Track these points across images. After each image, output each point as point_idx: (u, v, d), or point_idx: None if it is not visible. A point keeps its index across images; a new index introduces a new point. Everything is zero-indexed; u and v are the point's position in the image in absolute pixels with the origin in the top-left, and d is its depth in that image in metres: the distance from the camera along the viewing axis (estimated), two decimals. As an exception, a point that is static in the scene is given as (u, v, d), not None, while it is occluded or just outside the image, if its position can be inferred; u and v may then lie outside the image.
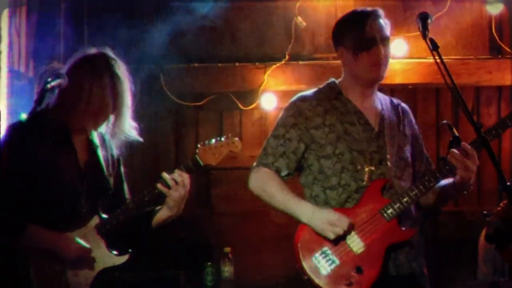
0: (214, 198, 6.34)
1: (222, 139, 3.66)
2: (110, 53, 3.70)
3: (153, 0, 6.30)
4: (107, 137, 3.77)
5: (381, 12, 3.69)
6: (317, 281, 3.49)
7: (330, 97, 3.73)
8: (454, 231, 6.09)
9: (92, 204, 3.63)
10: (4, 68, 5.11)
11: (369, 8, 3.70)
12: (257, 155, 3.77)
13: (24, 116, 4.01)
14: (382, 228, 3.52)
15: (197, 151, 3.64)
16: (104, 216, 3.62)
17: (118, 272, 3.66)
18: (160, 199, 3.65)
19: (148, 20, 6.15)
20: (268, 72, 6.28)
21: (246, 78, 6.32)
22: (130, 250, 3.64)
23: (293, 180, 3.76)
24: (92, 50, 3.70)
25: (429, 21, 3.33)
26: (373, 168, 3.60)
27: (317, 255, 3.52)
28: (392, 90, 6.11)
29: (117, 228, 3.62)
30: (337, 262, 3.51)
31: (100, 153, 3.72)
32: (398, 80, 6.04)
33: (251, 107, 6.29)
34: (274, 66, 6.26)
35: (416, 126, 3.84)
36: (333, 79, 3.80)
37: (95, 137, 3.73)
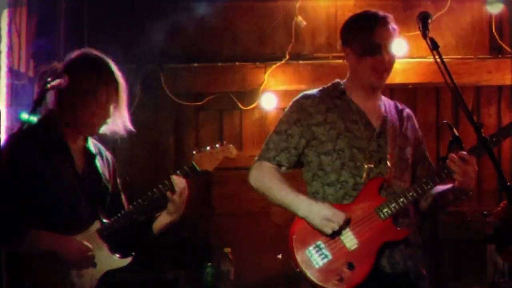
0: (214, 198, 6.34)
1: (217, 145, 3.73)
2: (104, 56, 3.70)
3: (153, 0, 6.30)
4: (102, 148, 3.79)
5: (391, 17, 3.71)
6: (308, 274, 3.53)
7: (333, 96, 3.75)
8: (454, 231, 6.09)
9: (92, 209, 3.64)
10: (4, 68, 5.11)
11: (380, 13, 3.70)
12: (257, 155, 3.78)
13: (24, 116, 4.01)
14: (376, 227, 3.55)
15: (193, 157, 3.69)
16: (105, 220, 3.64)
17: (118, 272, 3.66)
18: (160, 204, 3.66)
19: (148, 20, 6.15)
20: (268, 72, 6.28)
21: (246, 78, 6.32)
22: (133, 254, 3.65)
23: (297, 176, 3.77)
24: (88, 53, 3.70)
25: (429, 20, 3.33)
26: (372, 166, 3.61)
27: (310, 248, 3.55)
28: (392, 90, 6.11)
29: (119, 233, 3.63)
30: (330, 256, 3.53)
31: (98, 162, 3.73)
32: (398, 79, 6.04)
33: (251, 107, 6.29)
34: (274, 66, 6.26)
35: (419, 132, 3.85)
36: (338, 80, 3.82)
37: (92, 147, 3.74)
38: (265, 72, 6.28)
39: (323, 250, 3.54)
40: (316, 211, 3.53)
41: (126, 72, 3.79)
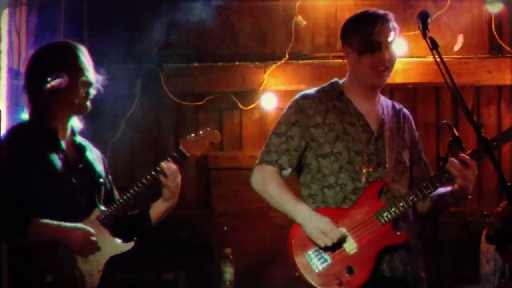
0: (214, 198, 6.33)
1: (201, 132, 3.79)
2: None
3: (153, 0, 6.30)
4: (90, 145, 3.82)
5: (391, 16, 3.70)
6: (308, 278, 3.52)
7: (331, 96, 3.73)
8: (454, 231, 6.09)
9: (88, 197, 3.67)
10: (4, 68, 5.12)
11: (381, 11, 3.70)
12: (257, 155, 3.77)
13: (24, 115, 4.01)
14: (376, 231, 3.53)
15: (180, 144, 3.76)
16: (103, 208, 3.66)
17: (119, 272, 3.67)
18: (155, 189, 3.70)
19: (148, 20, 6.15)
20: (268, 72, 6.28)
21: (246, 78, 6.32)
22: (134, 238, 3.67)
23: (293, 180, 3.77)
24: (39, 49, 3.74)
25: (429, 20, 3.33)
26: (370, 170, 3.60)
27: (310, 252, 3.54)
28: (392, 89, 6.12)
29: (118, 221, 3.65)
30: (329, 261, 3.52)
31: (89, 154, 3.77)
32: (398, 79, 6.03)
33: (251, 106, 6.29)
34: (274, 66, 6.27)
35: (416, 132, 3.83)
36: (336, 79, 3.80)
37: (81, 141, 3.78)
38: (265, 72, 6.29)
39: (323, 254, 3.52)
40: (314, 222, 3.52)
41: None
